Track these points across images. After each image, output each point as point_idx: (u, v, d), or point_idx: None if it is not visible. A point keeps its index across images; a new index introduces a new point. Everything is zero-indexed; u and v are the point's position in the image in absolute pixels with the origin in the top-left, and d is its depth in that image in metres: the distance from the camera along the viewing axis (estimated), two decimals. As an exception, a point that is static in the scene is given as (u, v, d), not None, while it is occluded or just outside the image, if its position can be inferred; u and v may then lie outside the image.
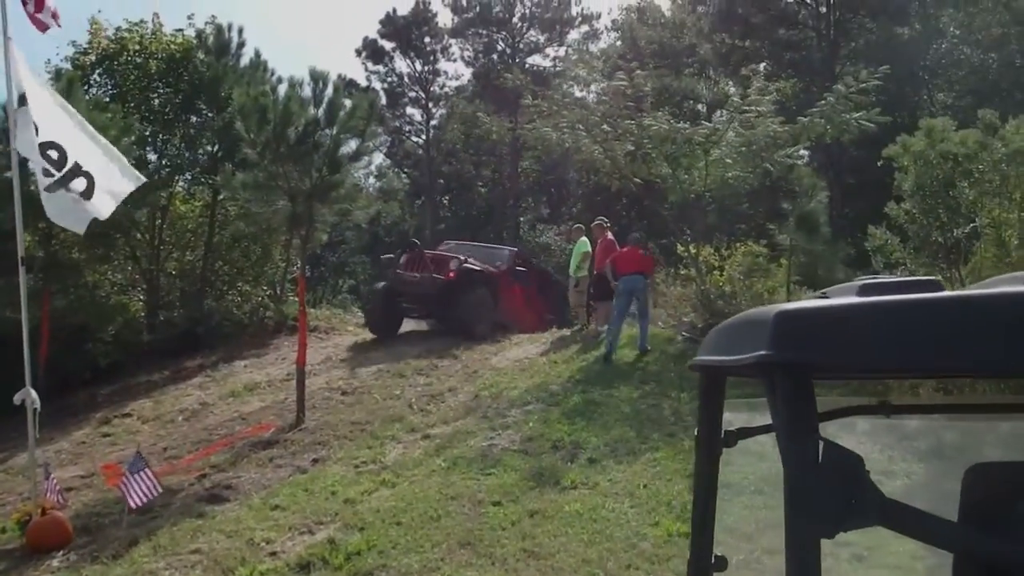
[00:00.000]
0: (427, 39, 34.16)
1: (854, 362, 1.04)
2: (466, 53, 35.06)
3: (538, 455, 7.35)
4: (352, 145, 9.47)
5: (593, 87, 15.85)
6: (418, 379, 10.42)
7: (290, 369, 10.72)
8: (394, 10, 33.73)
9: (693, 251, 12.36)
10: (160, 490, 6.67)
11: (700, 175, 11.72)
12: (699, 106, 23.59)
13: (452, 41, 34.68)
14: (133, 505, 6.49)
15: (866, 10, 24.15)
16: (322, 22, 55.35)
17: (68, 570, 6.01)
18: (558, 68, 30.33)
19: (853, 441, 1.21)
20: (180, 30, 15.41)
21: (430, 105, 34.94)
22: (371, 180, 36.47)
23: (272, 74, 13.60)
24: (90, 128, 7.25)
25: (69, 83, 10.84)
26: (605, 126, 12.17)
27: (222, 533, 6.22)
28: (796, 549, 0.97)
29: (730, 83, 21.95)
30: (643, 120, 11.61)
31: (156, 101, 14.97)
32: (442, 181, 35.34)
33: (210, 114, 14.76)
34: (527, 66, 31.53)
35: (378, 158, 35.27)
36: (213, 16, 18.66)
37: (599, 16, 36.49)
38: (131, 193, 7.51)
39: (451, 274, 12.32)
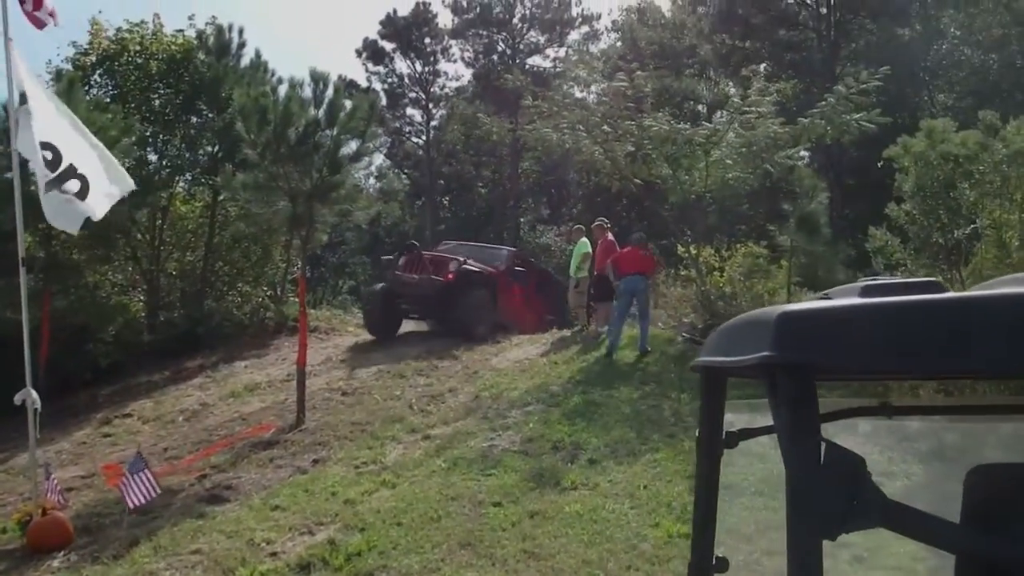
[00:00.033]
0: (427, 40, 34.16)
1: (856, 363, 1.04)
2: (466, 54, 35.12)
3: (538, 456, 7.35)
4: (352, 146, 9.47)
5: (593, 88, 15.83)
6: (418, 380, 10.42)
7: (290, 370, 10.73)
8: (394, 11, 33.83)
9: (693, 252, 12.36)
10: (158, 491, 6.67)
11: (700, 176, 11.72)
12: (699, 107, 23.64)
13: (452, 42, 34.73)
14: (131, 505, 6.49)
15: (867, 11, 24.13)
16: (322, 23, 55.48)
17: (69, 570, 6.01)
18: (558, 69, 30.24)
19: (855, 442, 1.21)
20: (181, 31, 15.48)
21: (430, 106, 34.95)
22: (371, 181, 36.57)
23: (272, 75, 13.64)
24: (85, 130, 7.25)
25: (70, 84, 10.85)
26: (605, 127, 12.17)
27: (222, 533, 6.22)
28: (798, 550, 0.97)
29: (730, 84, 21.98)
30: (643, 121, 11.61)
31: (156, 102, 14.98)
32: (442, 182, 35.33)
33: (210, 115, 14.77)
34: (527, 67, 31.54)
35: (378, 159, 35.39)
36: (213, 17, 18.63)
37: (599, 17, 36.66)
38: (131, 194, 7.52)
39: (450, 276, 12.31)
